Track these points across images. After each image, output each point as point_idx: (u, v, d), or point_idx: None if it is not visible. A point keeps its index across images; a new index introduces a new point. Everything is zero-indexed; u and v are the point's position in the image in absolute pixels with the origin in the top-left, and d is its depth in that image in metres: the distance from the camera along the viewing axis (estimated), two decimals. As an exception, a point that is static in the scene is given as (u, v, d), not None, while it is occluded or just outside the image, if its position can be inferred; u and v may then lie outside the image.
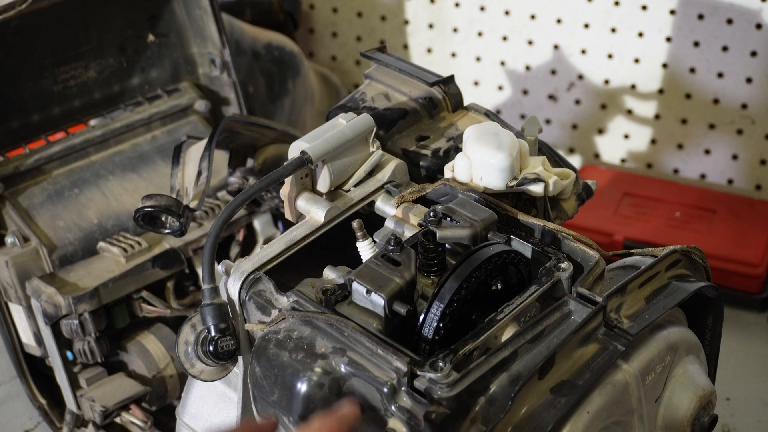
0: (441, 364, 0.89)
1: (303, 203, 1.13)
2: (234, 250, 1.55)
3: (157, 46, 1.64)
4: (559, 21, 1.95)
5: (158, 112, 1.61)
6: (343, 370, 0.93)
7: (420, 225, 1.03)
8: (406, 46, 2.15)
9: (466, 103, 1.27)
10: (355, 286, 0.96)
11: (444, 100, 1.25)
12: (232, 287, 1.05)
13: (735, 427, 1.52)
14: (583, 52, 1.96)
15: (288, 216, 1.14)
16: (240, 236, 1.55)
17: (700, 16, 1.82)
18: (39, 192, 1.49)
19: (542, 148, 1.20)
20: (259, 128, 1.42)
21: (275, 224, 1.56)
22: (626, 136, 2.00)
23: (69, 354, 1.43)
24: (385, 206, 1.14)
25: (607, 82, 1.97)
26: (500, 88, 2.08)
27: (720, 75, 1.86)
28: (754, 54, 1.81)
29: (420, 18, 2.10)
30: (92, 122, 1.58)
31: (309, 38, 2.25)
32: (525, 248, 1.04)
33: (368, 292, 0.95)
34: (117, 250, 1.45)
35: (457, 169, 1.11)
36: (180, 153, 1.31)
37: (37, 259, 1.43)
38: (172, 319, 1.47)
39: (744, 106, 1.87)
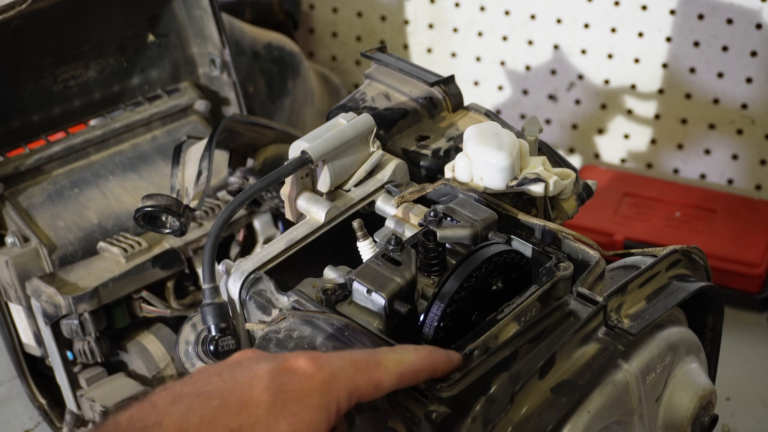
0: (441, 363, 0.89)
1: (303, 203, 1.13)
2: (234, 250, 1.55)
3: (157, 46, 1.64)
4: (559, 21, 1.95)
5: (158, 112, 1.61)
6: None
7: (420, 225, 1.03)
8: (406, 46, 2.15)
9: (466, 103, 1.27)
10: (356, 285, 0.96)
11: (444, 100, 1.25)
12: (232, 287, 1.05)
13: (735, 427, 1.52)
14: (583, 52, 1.96)
15: (288, 216, 1.14)
16: (240, 236, 1.55)
17: (700, 16, 1.82)
18: (39, 192, 1.49)
19: (542, 148, 1.20)
20: (259, 128, 1.42)
21: (275, 224, 1.56)
22: (626, 136, 2.00)
23: (69, 354, 1.43)
24: (385, 206, 1.14)
25: (607, 82, 1.97)
26: (500, 88, 2.08)
27: (720, 75, 1.86)
28: (754, 54, 1.81)
29: (420, 18, 2.10)
30: (92, 122, 1.58)
31: (309, 38, 2.25)
32: (525, 248, 1.04)
33: (369, 291, 0.95)
34: (117, 250, 1.44)
35: (458, 169, 1.11)
36: (180, 153, 1.32)
37: (37, 259, 1.43)
38: (172, 319, 1.47)
39: (744, 106, 1.87)
